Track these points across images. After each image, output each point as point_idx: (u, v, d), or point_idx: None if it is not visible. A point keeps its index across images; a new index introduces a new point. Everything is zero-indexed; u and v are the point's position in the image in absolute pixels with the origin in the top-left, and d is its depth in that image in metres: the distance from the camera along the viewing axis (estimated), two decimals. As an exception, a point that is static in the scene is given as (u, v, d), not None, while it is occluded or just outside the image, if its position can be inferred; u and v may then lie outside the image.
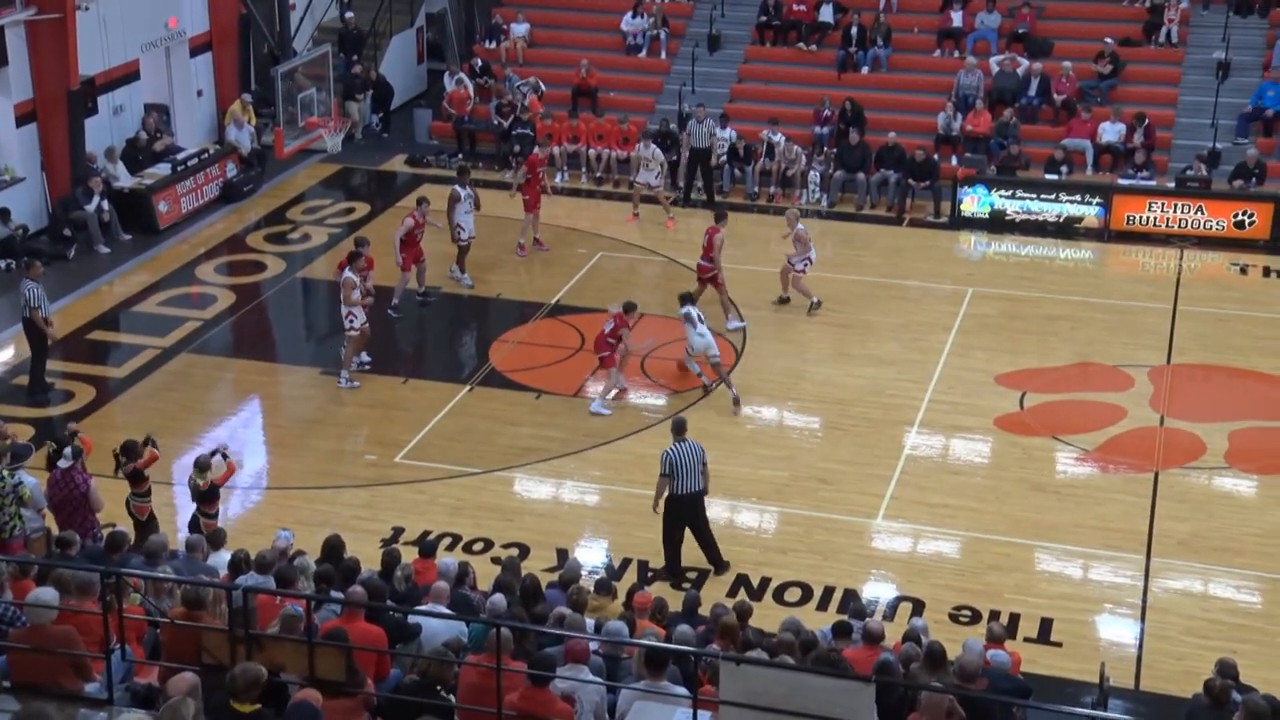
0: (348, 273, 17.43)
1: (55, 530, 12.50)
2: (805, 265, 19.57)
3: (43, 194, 21.79)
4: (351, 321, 17.48)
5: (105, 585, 9.06)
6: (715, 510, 15.06)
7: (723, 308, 19.21)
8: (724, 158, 24.23)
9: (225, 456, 13.73)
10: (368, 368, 17.97)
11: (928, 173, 23.39)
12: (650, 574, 13.94)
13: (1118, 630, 13.37)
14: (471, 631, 10.24)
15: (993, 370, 18.11)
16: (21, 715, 5.89)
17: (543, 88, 26.12)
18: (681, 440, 13.78)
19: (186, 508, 14.61)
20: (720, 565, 13.95)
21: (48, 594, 8.81)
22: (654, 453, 16.05)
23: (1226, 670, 10.35)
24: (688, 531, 13.86)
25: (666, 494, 13.69)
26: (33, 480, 12.77)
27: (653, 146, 22.76)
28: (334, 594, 10.29)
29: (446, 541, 14.31)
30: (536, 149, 22.90)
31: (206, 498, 13.50)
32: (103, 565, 10.02)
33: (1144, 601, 13.67)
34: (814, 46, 26.64)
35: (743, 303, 19.92)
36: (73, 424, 14.32)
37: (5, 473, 12.28)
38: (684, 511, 13.75)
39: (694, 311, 17.31)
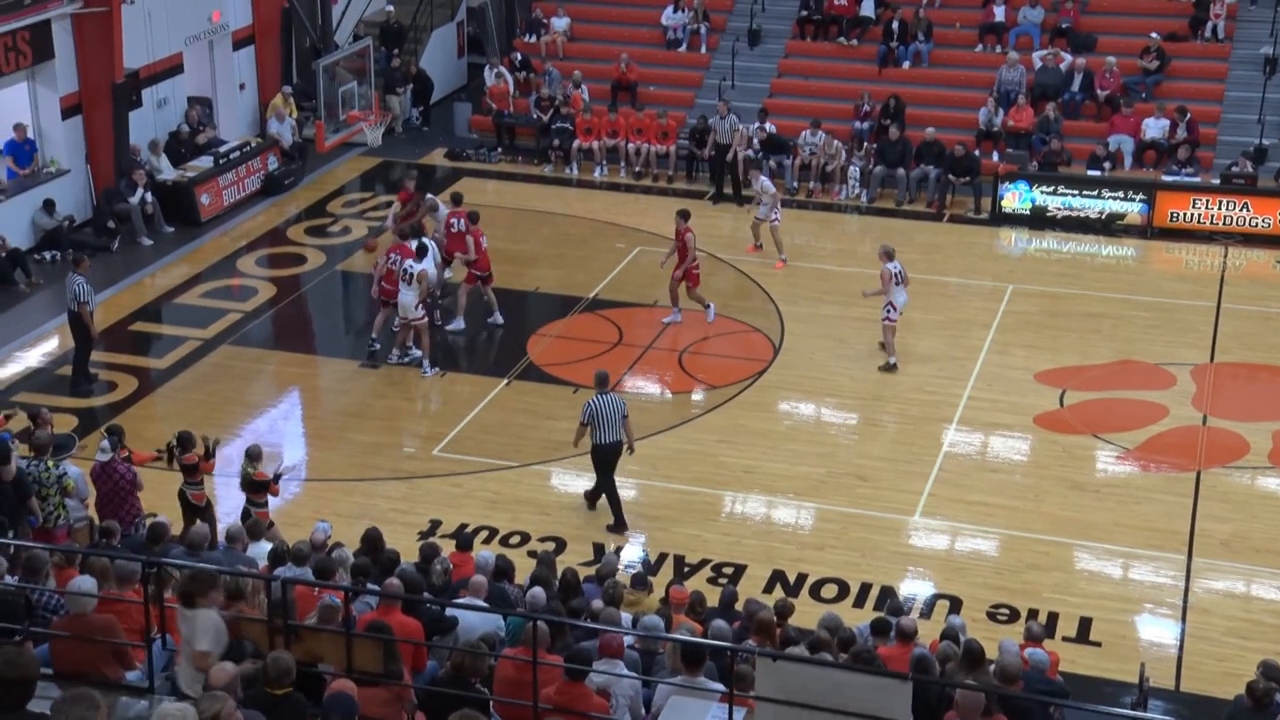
0: (424, 264, 17.52)
1: (97, 520, 12.62)
2: (890, 311, 17.71)
3: (87, 186, 22.01)
4: (420, 314, 17.60)
5: (146, 575, 9.16)
6: (752, 505, 15.08)
7: (671, 297, 19.00)
8: (759, 152, 24.10)
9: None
10: (406, 360, 18.01)
11: (968, 168, 23.25)
12: (686, 569, 13.94)
13: (1158, 630, 13.26)
14: (508, 625, 10.27)
15: (1033, 368, 17.99)
16: (67, 697, 5.94)
17: (585, 95, 25.80)
18: (604, 392, 14.51)
19: (227, 498, 14.75)
20: (622, 525, 14.50)
21: (87, 583, 8.90)
22: (690, 448, 16.13)
23: (1271, 672, 10.22)
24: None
25: (591, 445, 14.47)
26: (76, 470, 12.90)
27: (762, 179, 21.34)
28: (366, 586, 10.33)
29: (483, 535, 14.36)
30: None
31: (256, 487, 13.59)
32: (144, 555, 10.12)
33: (1185, 602, 13.55)
34: (855, 41, 26.52)
35: (778, 298, 19.89)
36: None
37: (50, 463, 12.42)
38: (609, 459, 14.49)
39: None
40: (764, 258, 21.31)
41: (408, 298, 17.47)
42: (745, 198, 23.26)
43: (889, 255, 17.68)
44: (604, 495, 14.69)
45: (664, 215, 22.46)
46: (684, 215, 18.86)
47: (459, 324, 18.92)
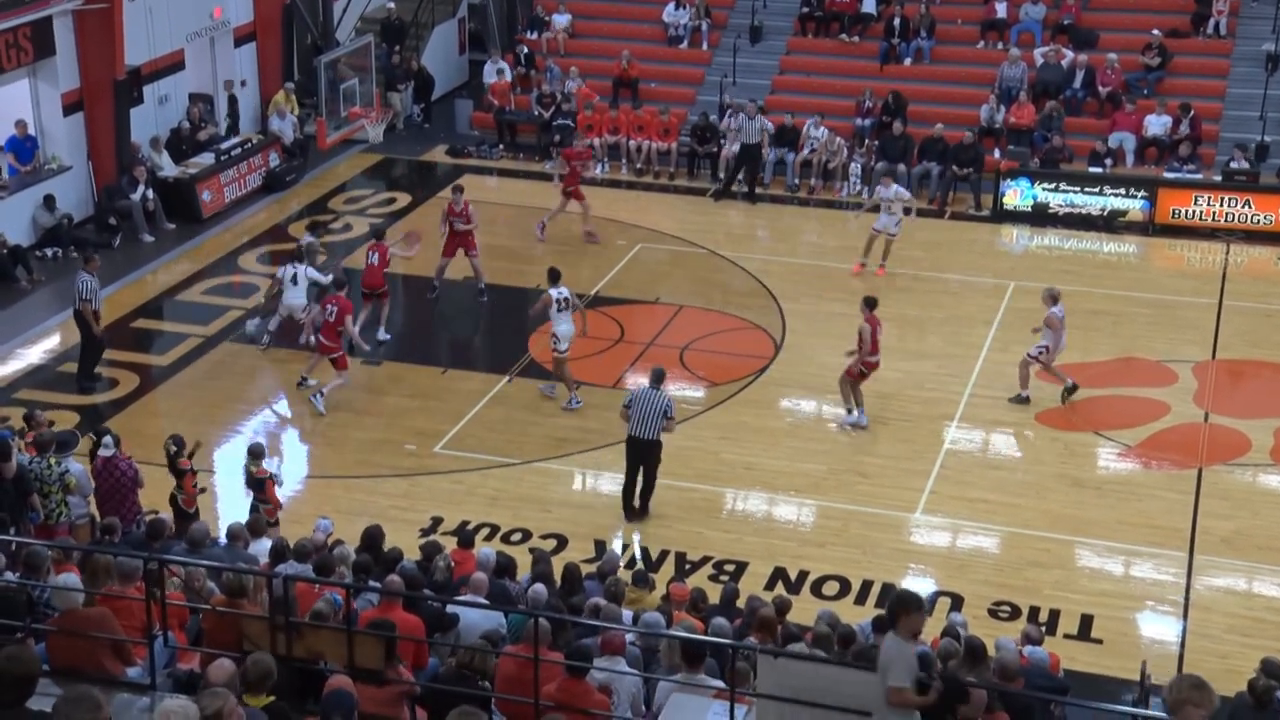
0: (552, 290, 16.88)
1: (98, 517, 12.63)
2: (1041, 351, 16.93)
3: (89, 183, 22.00)
4: (556, 344, 16.87)
5: (147, 572, 9.16)
6: (753, 503, 15.08)
7: (848, 395, 17.02)
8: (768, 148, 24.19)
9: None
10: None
11: (971, 159, 23.20)
12: (688, 566, 13.94)
13: (1159, 628, 13.26)
14: (510, 622, 10.27)
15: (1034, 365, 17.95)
16: (68, 698, 5.95)
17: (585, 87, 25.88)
18: (653, 388, 14.54)
19: (227, 496, 14.77)
20: (631, 512, 14.62)
21: (71, 579, 8.90)
22: (691, 445, 16.12)
23: (1271, 669, 10.21)
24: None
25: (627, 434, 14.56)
26: (79, 467, 12.90)
27: (895, 186, 20.59)
28: (367, 583, 10.34)
29: (485, 532, 14.36)
30: (575, 142, 22.91)
31: (261, 484, 13.61)
32: (145, 552, 10.12)
33: (1186, 599, 13.54)
34: (856, 38, 26.50)
35: (780, 295, 19.88)
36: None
37: (52, 460, 12.43)
38: (635, 452, 14.55)
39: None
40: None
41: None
42: (759, 196, 23.18)
43: (1054, 299, 16.96)
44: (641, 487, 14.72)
45: (665, 212, 22.51)
46: (870, 303, 16.59)
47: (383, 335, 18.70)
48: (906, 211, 20.60)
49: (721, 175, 24.16)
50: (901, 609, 7.74)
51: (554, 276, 17.13)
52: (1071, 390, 17.09)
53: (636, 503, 14.75)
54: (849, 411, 16.56)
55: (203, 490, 13.86)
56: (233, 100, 24.53)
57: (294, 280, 17.95)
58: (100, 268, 17.61)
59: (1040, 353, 16.94)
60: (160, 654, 8.85)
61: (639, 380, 17.65)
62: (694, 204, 23.15)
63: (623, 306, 19.67)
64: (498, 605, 10.53)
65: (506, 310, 19.52)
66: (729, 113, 24.52)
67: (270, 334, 18.31)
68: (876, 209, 20.57)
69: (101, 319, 17.36)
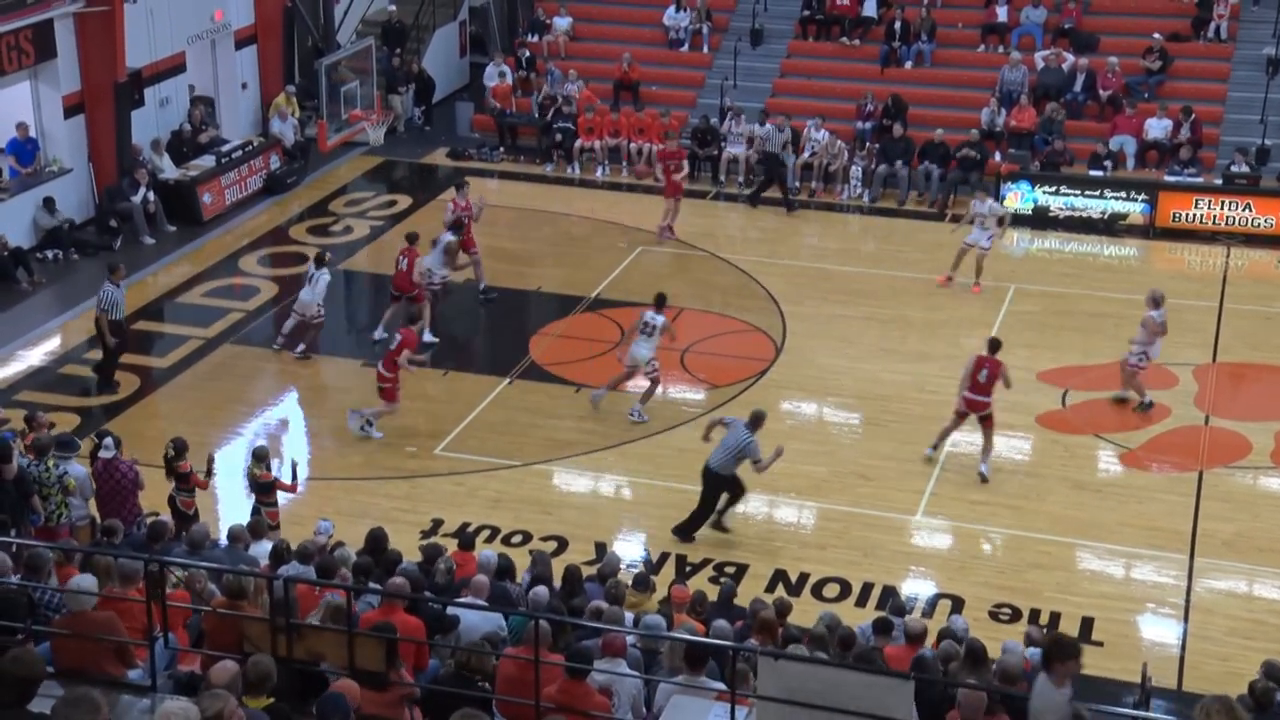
0: (651, 315, 16.63)
1: (99, 519, 12.63)
2: (1142, 358, 16.82)
3: (89, 185, 22.01)
4: (655, 367, 16.61)
5: (149, 573, 9.15)
6: (754, 505, 15.07)
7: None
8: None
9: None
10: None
11: (976, 164, 23.17)
12: (688, 568, 13.94)
13: (1160, 630, 13.25)
14: (511, 624, 10.26)
15: (1035, 367, 17.97)
16: (67, 699, 5.95)
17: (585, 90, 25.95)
18: (748, 427, 14.14)
19: (228, 499, 14.76)
20: (681, 532, 14.31)
21: (87, 581, 8.89)
22: (692, 447, 16.07)
23: (1272, 672, 10.21)
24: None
25: None
26: (81, 469, 12.90)
27: (989, 200, 20.49)
28: (368, 585, 10.33)
29: (485, 534, 14.36)
30: (666, 144, 22.92)
31: (264, 488, 13.62)
32: (146, 554, 10.12)
33: (1187, 601, 13.54)
34: (857, 41, 26.51)
35: (780, 298, 19.88)
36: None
37: (50, 464, 12.42)
38: (703, 478, 14.26)
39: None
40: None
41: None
42: (794, 203, 23.24)
43: (1155, 302, 16.69)
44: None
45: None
46: (992, 346, 15.74)
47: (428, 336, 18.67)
48: (1000, 223, 20.32)
49: (723, 179, 24.19)
50: (1059, 655, 7.41)
51: (659, 302, 16.80)
52: (1147, 407, 16.81)
53: (687, 524, 14.39)
54: (933, 446, 15.85)
55: (205, 484, 13.81)
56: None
57: (310, 280, 17.93)
58: (125, 277, 17.58)
59: (1140, 358, 16.73)
60: (161, 656, 8.84)
61: (638, 384, 17.69)
62: (695, 206, 23.15)
63: (624, 309, 19.66)
64: (499, 607, 10.53)
65: (507, 312, 19.50)
66: (730, 116, 24.54)
67: (284, 336, 18.29)
68: (971, 222, 20.31)
69: (124, 329, 17.34)
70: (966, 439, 16.37)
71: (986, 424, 15.46)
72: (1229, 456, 16.01)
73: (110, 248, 21.19)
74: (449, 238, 18.93)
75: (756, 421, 14.24)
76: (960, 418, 15.61)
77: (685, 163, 22.88)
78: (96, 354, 17.70)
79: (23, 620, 8.83)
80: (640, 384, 16.80)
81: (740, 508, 15.13)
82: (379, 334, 18.58)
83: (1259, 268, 21.41)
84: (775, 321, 19.36)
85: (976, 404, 15.42)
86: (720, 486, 14.27)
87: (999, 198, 22.89)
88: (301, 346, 18.19)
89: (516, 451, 16.10)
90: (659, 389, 16.81)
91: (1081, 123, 24.66)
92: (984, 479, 15.41)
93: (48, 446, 12.52)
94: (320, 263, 18.21)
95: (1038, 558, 14.19)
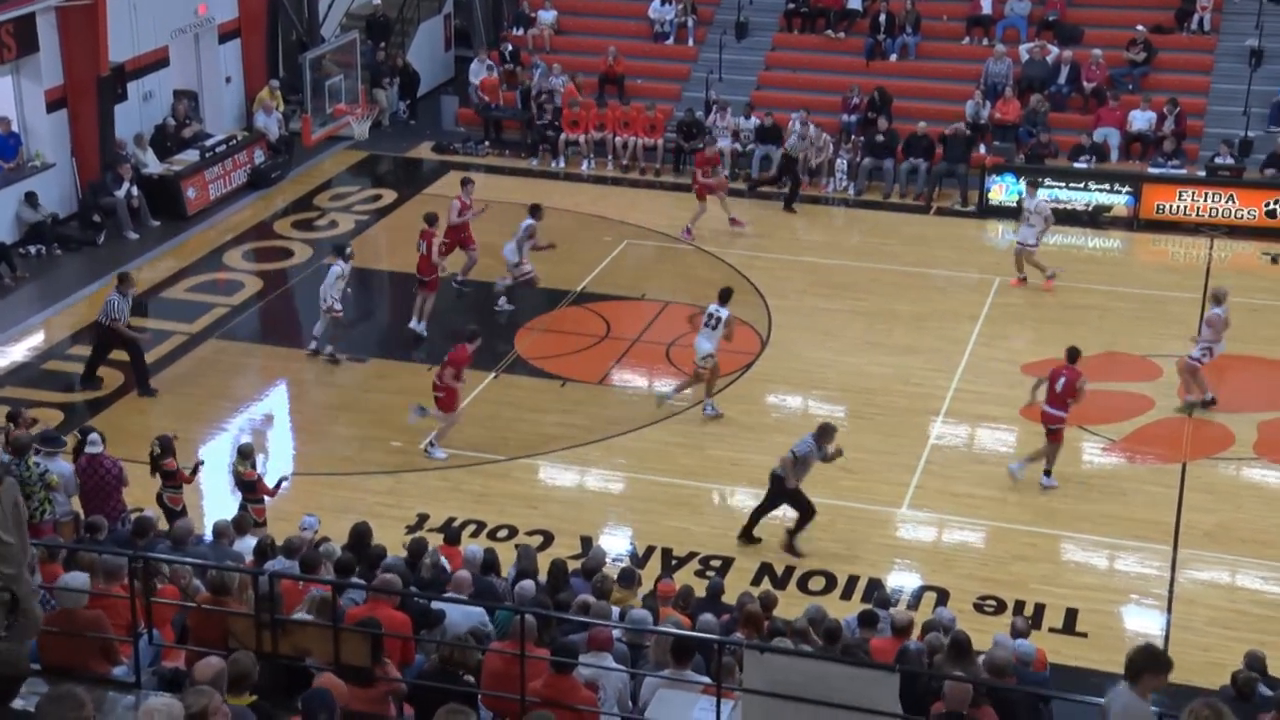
0: (715, 308, 16.46)
1: (83, 515, 12.59)
2: (1206, 354, 16.65)
3: (73, 180, 21.92)
4: (706, 364, 16.40)
5: (133, 570, 9.14)
6: (739, 498, 15.09)
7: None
8: (751, 146, 24.28)
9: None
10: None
11: (961, 155, 23.21)
12: (674, 562, 13.95)
13: (1144, 621, 13.31)
14: (497, 618, 10.27)
15: (1019, 360, 18.02)
16: (51, 696, 5.95)
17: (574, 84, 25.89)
18: (812, 435, 14.03)
19: (213, 494, 14.73)
20: (744, 534, 14.16)
21: (78, 579, 8.88)
22: (677, 441, 16.12)
23: (1254, 663, 10.29)
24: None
25: None
26: (66, 466, 12.86)
27: (1038, 198, 20.49)
28: (355, 580, 10.32)
29: (471, 529, 14.35)
30: (706, 148, 22.85)
31: (249, 485, 13.60)
32: (130, 550, 10.10)
33: (1170, 592, 13.61)
34: (842, 34, 26.53)
35: (765, 291, 19.90)
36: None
37: (30, 462, 12.36)
38: (770, 481, 14.07)
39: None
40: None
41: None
42: (796, 200, 23.19)
43: (1218, 299, 16.68)
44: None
45: (651, 208, 22.51)
46: (1071, 355, 15.49)
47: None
48: (1046, 220, 20.06)
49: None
50: (1149, 667, 7.22)
51: (724, 296, 16.61)
52: (1210, 404, 16.72)
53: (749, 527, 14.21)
54: (1042, 471, 15.31)
55: (190, 479, 13.78)
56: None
57: (327, 269, 17.84)
58: (134, 290, 17.50)
59: (1203, 355, 16.55)
60: (145, 652, 8.84)
61: (623, 377, 17.71)
62: (680, 200, 23.14)
63: (609, 303, 19.68)
64: (485, 601, 10.53)
65: (491, 306, 19.46)
66: (715, 109, 24.55)
67: (315, 338, 18.08)
68: (1019, 217, 20.26)
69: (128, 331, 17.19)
70: (952, 432, 16.42)
71: (1052, 437, 15.08)
72: (1212, 448, 16.08)
73: (94, 243, 21.12)
74: (529, 221, 18.97)
75: (824, 433, 14.05)
76: (1054, 438, 15.11)
77: (719, 168, 22.69)
78: (81, 350, 17.68)
79: (7, 618, 8.80)
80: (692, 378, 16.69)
81: (726, 501, 15.17)
82: (415, 325, 18.55)
83: (1242, 259, 21.49)
84: (760, 315, 19.38)
85: (1050, 417, 15.02)
86: (773, 485, 14.04)
87: (984, 190, 22.97)
88: (329, 349, 17.90)
89: (502, 446, 16.09)
90: (698, 383, 16.63)
91: (1066, 115, 24.71)
92: (1014, 478, 15.23)
93: (27, 445, 12.45)
94: (339, 253, 17.97)
95: (1022, 550, 14.24)
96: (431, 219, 18.68)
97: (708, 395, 16.64)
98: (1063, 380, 15.02)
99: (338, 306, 17.75)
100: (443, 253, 18.92)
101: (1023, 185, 21.69)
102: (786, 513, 14.25)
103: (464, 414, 16.07)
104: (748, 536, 14.21)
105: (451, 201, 19.83)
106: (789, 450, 14.04)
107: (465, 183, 20.06)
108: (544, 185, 24.23)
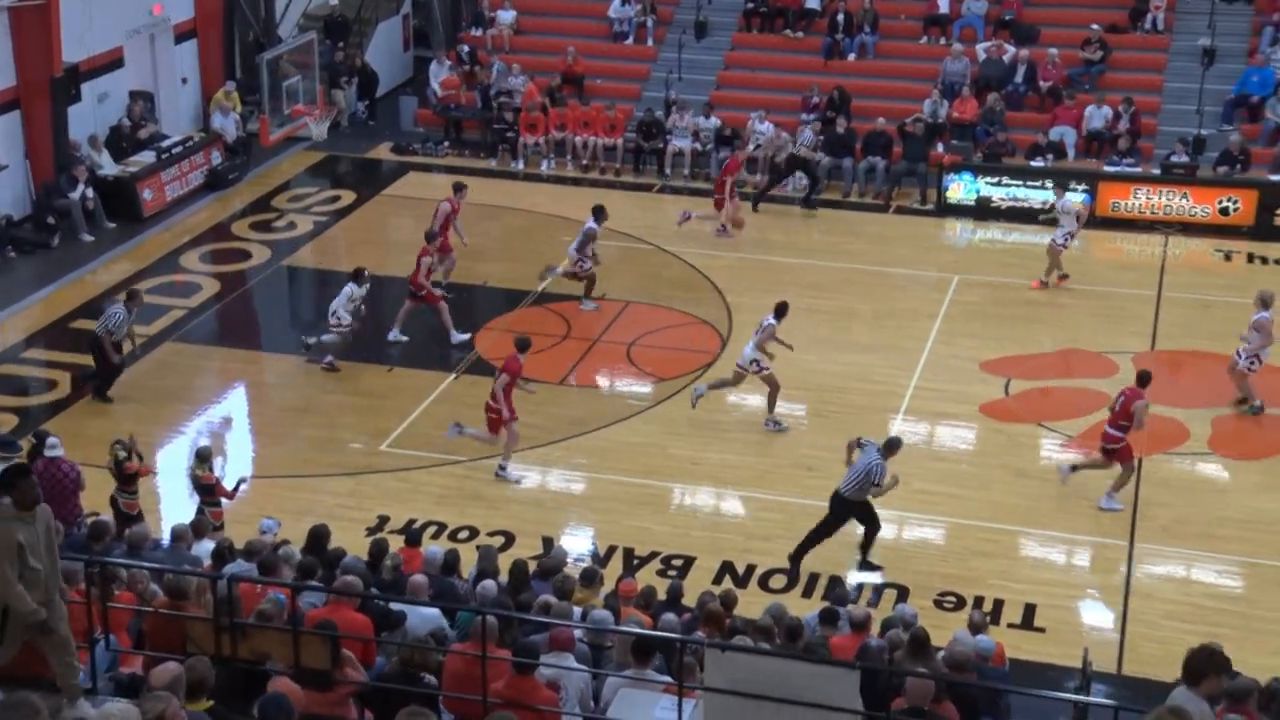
0: (767, 318, 16.46)
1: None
2: (1254, 362, 16.59)
3: (26, 182, 21.68)
4: (741, 373, 16.43)
5: (89, 575, 9.05)
6: (700, 497, 15.13)
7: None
8: (710, 146, 24.36)
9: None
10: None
11: (919, 153, 23.33)
12: (636, 561, 13.96)
13: (1100, 615, 13.44)
14: (459, 619, 10.24)
15: (978, 357, 18.15)
16: (6, 704, 5.88)
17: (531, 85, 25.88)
18: (880, 451, 13.68)
19: (171, 497, 14.63)
20: (792, 561, 13.82)
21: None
22: (638, 440, 16.14)
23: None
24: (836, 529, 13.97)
25: None
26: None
27: (1067, 197, 20.58)
28: (314, 583, 10.27)
29: (431, 530, 14.31)
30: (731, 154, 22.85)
31: (206, 489, 13.52)
32: (86, 555, 10.01)
33: (1127, 587, 13.74)
34: (800, 34, 26.62)
35: (725, 289, 19.95)
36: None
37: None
38: (832, 503, 13.81)
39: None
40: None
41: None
42: (818, 202, 23.18)
43: (1264, 303, 16.47)
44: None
45: (611, 208, 22.35)
46: (1142, 379, 15.08)
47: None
48: (1077, 219, 20.05)
49: (668, 171, 24.28)
50: (1216, 670, 7.09)
51: (778, 310, 16.58)
52: (1258, 410, 16.65)
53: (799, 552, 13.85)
54: (1105, 488, 15.08)
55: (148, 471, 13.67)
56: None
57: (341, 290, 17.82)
58: (142, 306, 17.38)
59: (1251, 363, 16.54)
60: (101, 658, 8.76)
61: (584, 376, 17.70)
62: (640, 200, 23.17)
63: (569, 303, 19.66)
64: (446, 602, 10.51)
65: (453, 307, 19.41)
66: (675, 109, 24.58)
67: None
68: (1054, 220, 20.27)
69: (123, 349, 17.00)
70: (911, 430, 16.50)
71: (1111, 456, 14.87)
72: (1167, 443, 16.24)
73: (48, 245, 20.92)
74: (590, 225, 18.94)
75: (891, 448, 13.79)
76: (1105, 455, 14.96)
77: (739, 175, 22.63)
78: (36, 353, 17.50)
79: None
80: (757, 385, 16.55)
81: (687, 500, 15.20)
82: (394, 333, 18.46)
83: (1195, 256, 21.72)
84: (720, 314, 19.42)
85: (1108, 436, 14.83)
86: (848, 512, 13.80)
87: (942, 188, 23.10)
88: (329, 359, 17.72)
89: (462, 447, 16.04)
90: (734, 386, 16.65)
91: (1022, 113, 24.90)
92: (1064, 477, 15.13)
93: (-14, 448, 12.34)
94: (355, 276, 17.81)
95: (981, 545, 14.34)
96: (431, 236, 18.71)
97: (769, 410, 16.42)
98: (1121, 399, 14.91)
99: (345, 321, 17.65)
100: (428, 272, 18.73)
101: (1051, 188, 21.55)
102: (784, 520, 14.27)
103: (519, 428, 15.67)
104: (865, 565, 13.88)
105: (441, 204, 19.79)
106: (864, 477, 13.51)
107: (459, 188, 20.04)
108: (503, 185, 24.21)
